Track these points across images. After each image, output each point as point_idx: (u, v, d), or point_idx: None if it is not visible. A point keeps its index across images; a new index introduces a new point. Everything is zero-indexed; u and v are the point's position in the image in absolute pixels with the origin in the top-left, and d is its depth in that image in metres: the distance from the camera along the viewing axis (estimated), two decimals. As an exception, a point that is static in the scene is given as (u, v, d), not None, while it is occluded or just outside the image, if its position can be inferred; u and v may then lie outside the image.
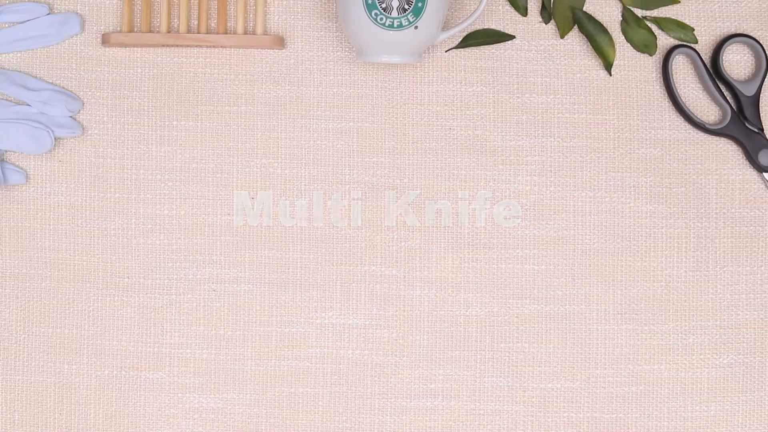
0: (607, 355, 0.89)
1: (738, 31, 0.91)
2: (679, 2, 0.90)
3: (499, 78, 0.91)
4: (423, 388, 0.90)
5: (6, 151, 0.90)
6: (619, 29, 0.91)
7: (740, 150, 0.90)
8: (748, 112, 0.90)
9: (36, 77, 0.90)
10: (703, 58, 0.90)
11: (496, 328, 0.90)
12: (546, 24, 0.90)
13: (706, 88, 0.90)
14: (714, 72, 0.90)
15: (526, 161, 0.90)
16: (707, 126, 0.89)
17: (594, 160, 0.90)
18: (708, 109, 0.91)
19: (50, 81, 0.90)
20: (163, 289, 0.90)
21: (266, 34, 0.90)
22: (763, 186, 0.90)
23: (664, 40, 0.91)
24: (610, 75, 0.90)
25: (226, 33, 0.90)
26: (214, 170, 0.90)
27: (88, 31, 0.90)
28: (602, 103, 0.91)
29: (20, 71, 0.90)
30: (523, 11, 0.90)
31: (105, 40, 0.89)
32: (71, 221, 0.90)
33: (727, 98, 0.90)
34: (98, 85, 0.90)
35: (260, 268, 0.90)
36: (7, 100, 0.89)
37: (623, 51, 0.91)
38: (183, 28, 0.90)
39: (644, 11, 0.91)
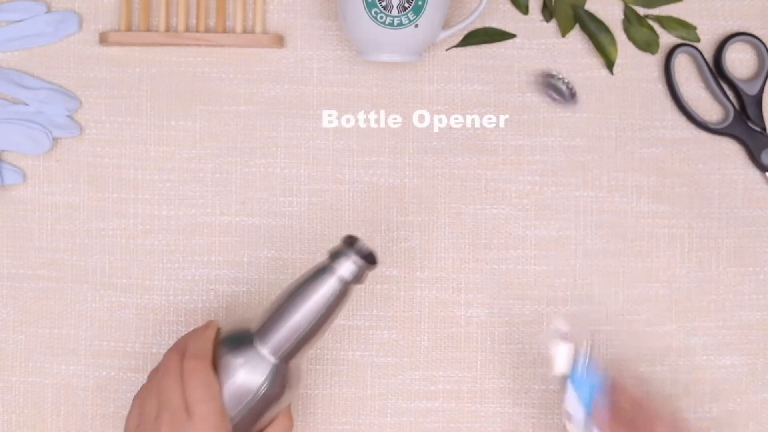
0: (609, 356, 0.89)
1: (741, 30, 0.90)
2: (682, 0, 0.90)
3: (500, 77, 0.90)
4: (423, 390, 0.89)
5: (3, 151, 0.89)
6: (621, 28, 0.90)
7: (743, 149, 0.90)
8: (750, 111, 0.89)
9: (33, 76, 0.90)
10: (705, 57, 0.89)
11: (497, 329, 0.89)
12: (547, 22, 0.90)
13: (708, 87, 0.90)
14: (717, 71, 0.90)
15: (527, 161, 0.90)
16: (710, 125, 0.89)
17: (596, 159, 0.90)
18: (710, 109, 0.91)
19: (48, 80, 0.90)
20: (162, 290, 0.89)
21: (265, 33, 0.90)
22: (766, 186, 0.90)
23: (666, 39, 0.90)
24: (612, 74, 0.90)
25: (224, 32, 0.89)
26: (212, 170, 0.90)
27: (86, 29, 0.90)
28: (604, 102, 0.90)
29: (17, 70, 0.89)
30: (524, 9, 0.90)
31: (103, 39, 0.89)
32: (69, 221, 0.89)
33: (730, 97, 0.90)
34: (96, 84, 0.90)
35: (259, 269, 0.89)
36: (4, 99, 0.89)
37: (625, 50, 0.90)
38: (181, 26, 0.89)
39: (646, 10, 0.90)
